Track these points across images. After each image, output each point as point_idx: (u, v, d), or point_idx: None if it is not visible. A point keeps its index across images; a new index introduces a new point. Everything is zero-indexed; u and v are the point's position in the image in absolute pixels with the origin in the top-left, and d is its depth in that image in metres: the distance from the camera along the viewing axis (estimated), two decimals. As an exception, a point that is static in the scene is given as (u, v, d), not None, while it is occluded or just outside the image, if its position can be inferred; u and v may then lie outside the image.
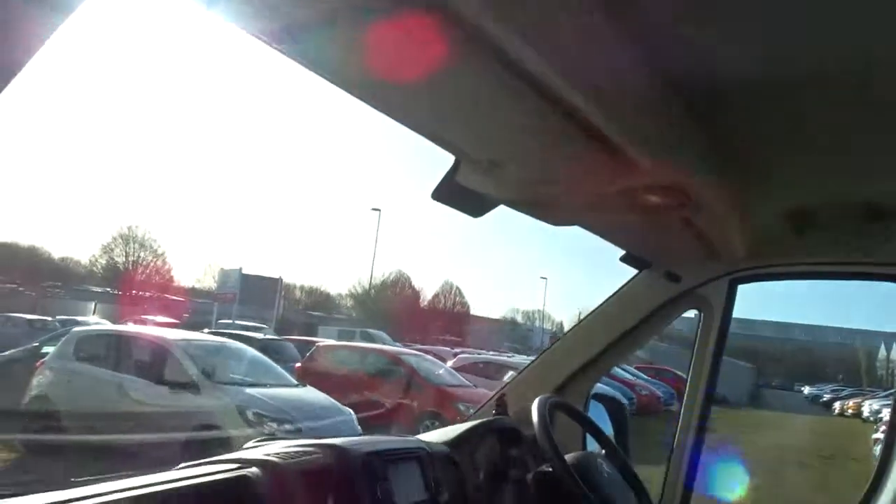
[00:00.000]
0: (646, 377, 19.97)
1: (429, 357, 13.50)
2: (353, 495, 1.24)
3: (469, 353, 19.71)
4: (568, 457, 1.61)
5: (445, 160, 1.36)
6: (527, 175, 1.29)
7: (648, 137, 1.08)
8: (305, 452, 1.28)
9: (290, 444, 1.32)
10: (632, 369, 20.21)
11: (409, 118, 1.10)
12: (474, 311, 48.35)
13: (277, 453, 1.25)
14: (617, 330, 2.15)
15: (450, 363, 14.57)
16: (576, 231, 1.78)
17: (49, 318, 18.22)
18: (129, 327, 11.93)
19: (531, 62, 0.85)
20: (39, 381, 8.42)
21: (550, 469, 1.58)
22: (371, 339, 23.12)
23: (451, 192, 1.39)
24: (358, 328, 29.07)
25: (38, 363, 9.02)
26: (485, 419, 1.96)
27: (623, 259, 2.03)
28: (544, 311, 47.29)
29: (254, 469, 1.19)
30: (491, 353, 21.71)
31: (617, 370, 17.68)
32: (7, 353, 11.10)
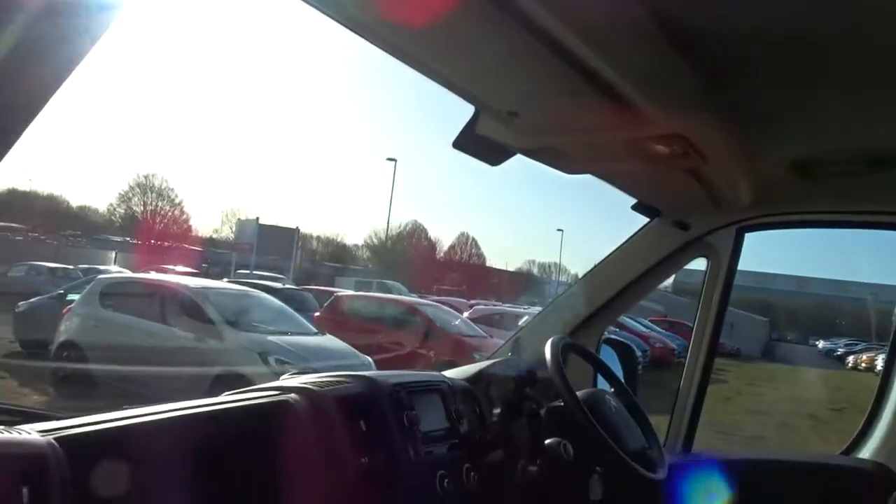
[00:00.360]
0: (660, 330, 20.11)
1: (445, 307, 13.70)
2: (383, 420, 1.36)
3: (485, 305, 19.93)
4: (578, 393, 1.72)
5: (461, 111, 1.44)
6: (541, 125, 1.36)
7: (654, 89, 1.15)
8: (338, 382, 1.40)
9: (324, 376, 1.44)
10: (646, 322, 20.35)
11: (428, 68, 1.16)
12: (490, 262, 48.59)
13: (313, 382, 1.37)
14: (627, 277, 2.23)
15: (466, 314, 14.77)
16: (593, 184, 1.86)
17: (71, 267, 18.57)
18: (153, 275, 12.18)
19: (542, 17, 0.92)
20: (67, 326, 8.68)
21: (562, 404, 1.70)
22: (388, 289, 23.38)
23: (471, 141, 1.48)
24: (374, 279, 29.36)
25: (64, 309, 9.30)
26: (501, 358, 2.08)
27: (634, 207, 2.09)
28: (560, 263, 47.33)
29: (292, 395, 1.31)
30: (507, 305, 21.90)
31: (631, 322, 17.83)
32: (33, 299, 11.38)
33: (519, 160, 1.62)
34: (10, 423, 1.00)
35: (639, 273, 2.23)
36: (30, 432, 0.97)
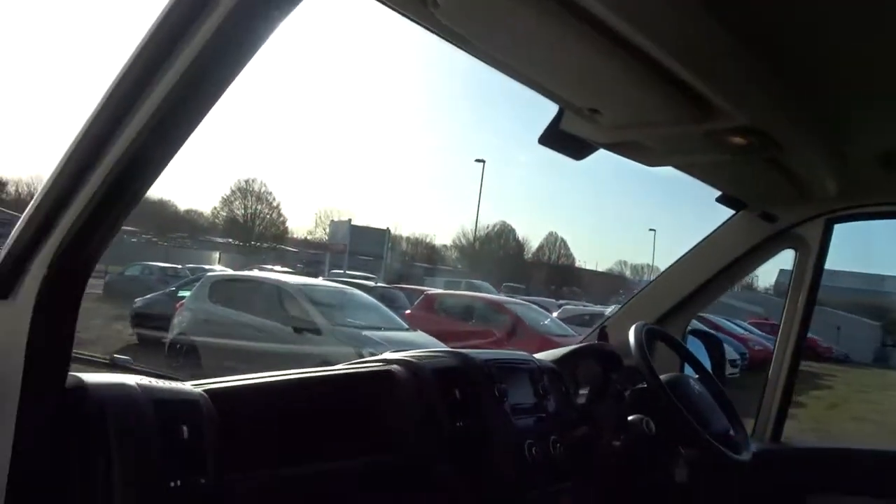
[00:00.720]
0: (760, 332, 19.31)
1: (534, 306, 13.74)
2: (475, 390, 1.50)
3: (574, 305, 19.77)
4: (662, 376, 1.79)
5: (546, 111, 1.55)
6: (621, 121, 1.45)
7: (727, 83, 1.21)
8: (435, 356, 1.55)
9: (422, 351, 1.59)
10: (745, 324, 19.62)
11: (516, 72, 1.28)
12: (579, 263, 47.96)
13: (412, 355, 1.52)
14: (713, 268, 2.26)
15: (555, 314, 14.73)
16: (685, 183, 1.92)
17: (179, 266, 19.80)
18: (256, 273, 12.90)
19: (617, 23, 1.02)
20: (179, 320, 9.37)
21: (645, 385, 1.78)
22: (476, 289, 23.56)
23: (556, 138, 1.58)
24: (463, 279, 29.64)
25: (177, 305, 10.02)
26: (588, 343, 2.17)
27: (719, 200, 2.12)
28: (653, 264, 46.15)
29: (395, 366, 1.47)
30: (597, 305, 21.63)
31: (729, 325, 17.23)
32: (148, 296, 12.30)
33: (605, 157, 1.72)
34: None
35: (724, 264, 2.26)
36: (184, 384, 1.17)
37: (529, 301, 16.01)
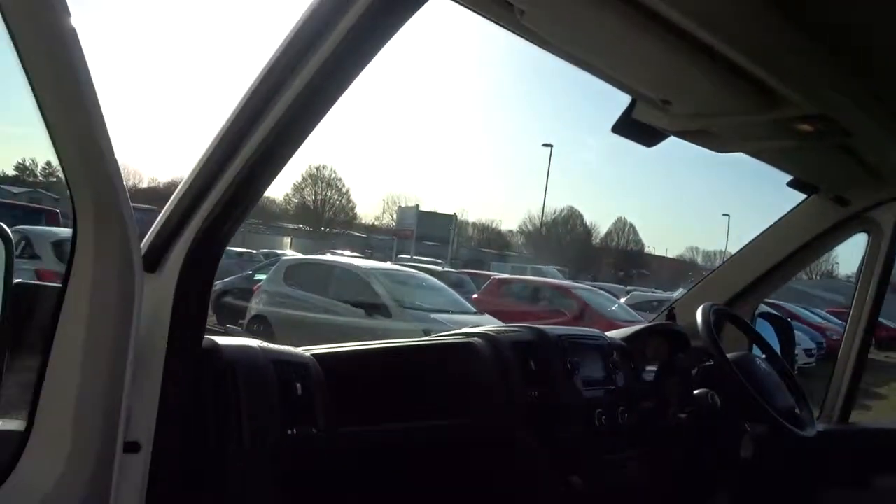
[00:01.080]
0: (838, 322, 18.58)
1: (602, 292, 13.68)
2: (548, 362, 1.62)
3: (642, 292, 19.52)
4: (729, 354, 1.86)
5: (615, 99, 1.64)
6: (691, 111, 1.52)
7: (792, 74, 1.27)
8: (513, 330, 1.68)
9: (499, 326, 1.72)
10: (823, 313, 18.94)
11: (590, 66, 1.37)
12: (648, 249, 47.11)
13: (492, 329, 1.65)
14: (784, 252, 2.28)
15: (622, 300, 14.63)
16: (760, 166, 1.95)
17: (254, 251, 20.56)
18: (329, 257, 13.31)
19: (684, 23, 1.10)
20: (256, 302, 9.82)
21: (712, 363, 1.85)
22: (542, 275, 23.55)
23: (628, 126, 1.67)
24: (529, 265, 29.61)
25: (254, 287, 10.49)
26: (657, 323, 2.25)
27: (790, 184, 2.13)
28: (726, 250, 44.84)
29: (475, 339, 1.60)
30: (666, 292, 21.28)
31: (807, 314, 16.68)
32: (227, 279, 12.87)
33: (676, 142, 1.79)
34: None
35: (795, 247, 2.27)
36: (296, 348, 1.33)
37: (597, 287, 15.93)
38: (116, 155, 0.93)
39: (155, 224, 1.13)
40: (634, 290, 20.05)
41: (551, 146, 38.79)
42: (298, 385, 1.22)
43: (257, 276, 11.53)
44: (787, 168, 2.06)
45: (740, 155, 1.87)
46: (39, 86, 0.84)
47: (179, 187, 1.13)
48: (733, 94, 1.35)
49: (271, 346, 1.26)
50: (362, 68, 1.03)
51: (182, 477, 1.11)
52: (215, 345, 1.18)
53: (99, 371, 0.99)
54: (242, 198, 1.09)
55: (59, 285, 0.99)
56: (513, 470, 1.52)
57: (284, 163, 1.10)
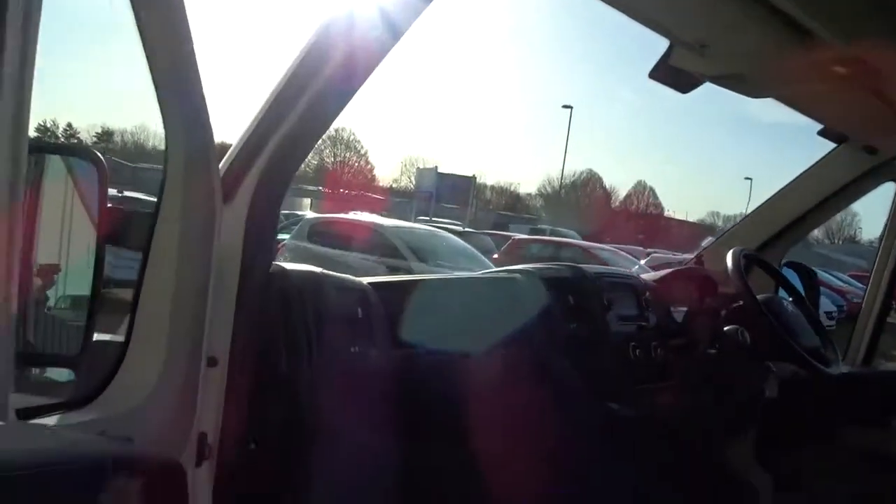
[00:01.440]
0: (860, 285, 18.46)
1: (622, 253, 13.69)
2: (586, 298, 1.70)
3: (663, 254, 19.46)
4: (757, 297, 1.94)
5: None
6: (728, 54, 1.57)
7: (829, 13, 1.31)
8: (553, 268, 1.76)
9: (540, 265, 1.81)
10: (845, 277, 18.82)
11: (628, 6, 1.41)
12: (668, 213, 46.78)
13: (533, 267, 1.74)
14: (811, 201, 2.31)
15: (643, 261, 14.61)
16: (783, 129, 1.99)
17: (276, 212, 20.67)
18: (350, 215, 13.44)
19: None
20: (282, 259, 9.97)
21: (741, 303, 1.93)
22: (562, 238, 23.50)
23: (665, 72, 1.72)
24: (548, 227, 29.57)
25: (279, 246, 10.66)
26: (687, 267, 2.33)
27: (820, 133, 2.17)
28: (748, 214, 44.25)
29: (516, 275, 1.69)
30: (686, 254, 21.12)
31: (828, 277, 16.58)
32: (249, 239, 13.04)
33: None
34: None
35: (823, 197, 2.31)
36: (354, 277, 1.43)
37: (618, 249, 15.92)
38: (205, 91, 1.02)
39: (227, 157, 1.22)
40: (655, 251, 19.95)
41: (571, 108, 38.33)
42: (359, 309, 1.32)
43: (280, 236, 11.70)
44: (817, 116, 2.09)
45: (764, 117, 1.92)
46: (149, 37, 0.92)
47: (251, 122, 1.21)
48: (771, 34, 1.39)
49: (333, 273, 1.35)
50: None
51: (255, 388, 1.21)
52: (283, 270, 1.27)
53: (187, 291, 1.08)
54: (307, 132, 1.17)
55: (151, 212, 1.08)
56: (551, 396, 1.62)
57: (345, 104, 1.17)
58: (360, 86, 1.17)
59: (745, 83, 1.73)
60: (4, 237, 0.74)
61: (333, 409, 1.25)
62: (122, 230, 1.15)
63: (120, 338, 1.11)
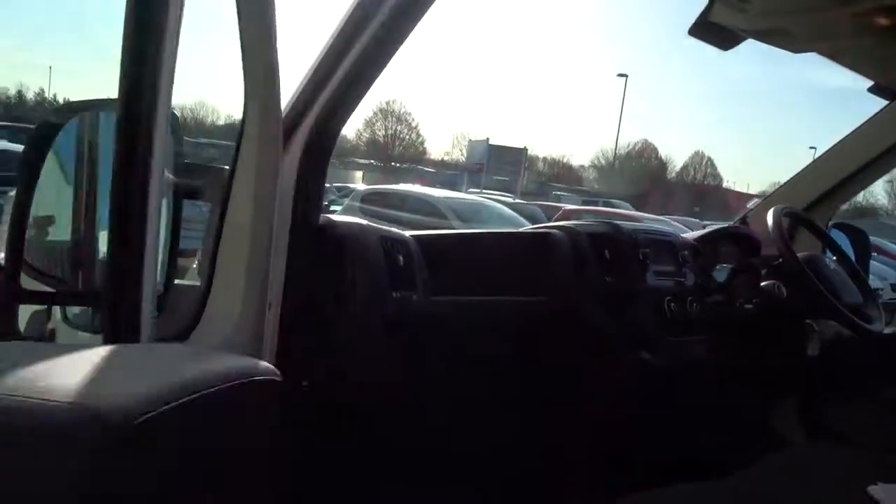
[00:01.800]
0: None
1: (677, 224, 13.44)
2: (623, 252, 1.74)
3: (720, 225, 18.97)
4: (798, 254, 1.93)
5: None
6: (769, 8, 1.56)
7: None
8: (590, 224, 1.81)
9: (577, 222, 1.85)
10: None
11: None
12: (727, 184, 45.53)
13: (570, 223, 1.79)
14: (861, 160, 2.26)
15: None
16: (848, 97, 1.95)
17: (328, 185, 21.02)
18: (401, 186, 13.61)
19: None
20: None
21: (781, 261, 1.93)
22: (614, 209, 23.18)
23: (705, 29, 1.72)
24: (601, 198, 29.21)
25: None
26: (729, 224, 2.33)
27: (870, 90, 2.12)
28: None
29: (555, 231, 1.75)
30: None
31: (888, 245, 15.95)
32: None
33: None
34: None
35: (873, 156, 2.26)
36: (395, 228, 1.51)
37: (673, 220, 15.63)
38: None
39: (283, 109, 1.30)
40: (711, 224, 19.51)
41: (626, 76, 37.53)
42: (400, 257, 1.40)
43: (332, 208, 11.94)
44: (865, 71, 2.04)
45: (830, 82, 1.89)
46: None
47: (304, 78, 1.29)
48: None
49: (376, 224, 1.44)
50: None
51: (306, 329, 1.31)
52: (330, 220, 1.36)
53: (258, 241, 1.18)
54: (358, 82, 1.24)
55: (228, 168, 1.18)
56: (585, 344, 1.69)
57: (391, 56, 1.24)
58: (410, 32, 1.22)
59: (789, 38, 1.71)
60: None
61: (376, 350, 1.35)
62: (197, 185, 1.26)
63: (192, 282, 1.22)
